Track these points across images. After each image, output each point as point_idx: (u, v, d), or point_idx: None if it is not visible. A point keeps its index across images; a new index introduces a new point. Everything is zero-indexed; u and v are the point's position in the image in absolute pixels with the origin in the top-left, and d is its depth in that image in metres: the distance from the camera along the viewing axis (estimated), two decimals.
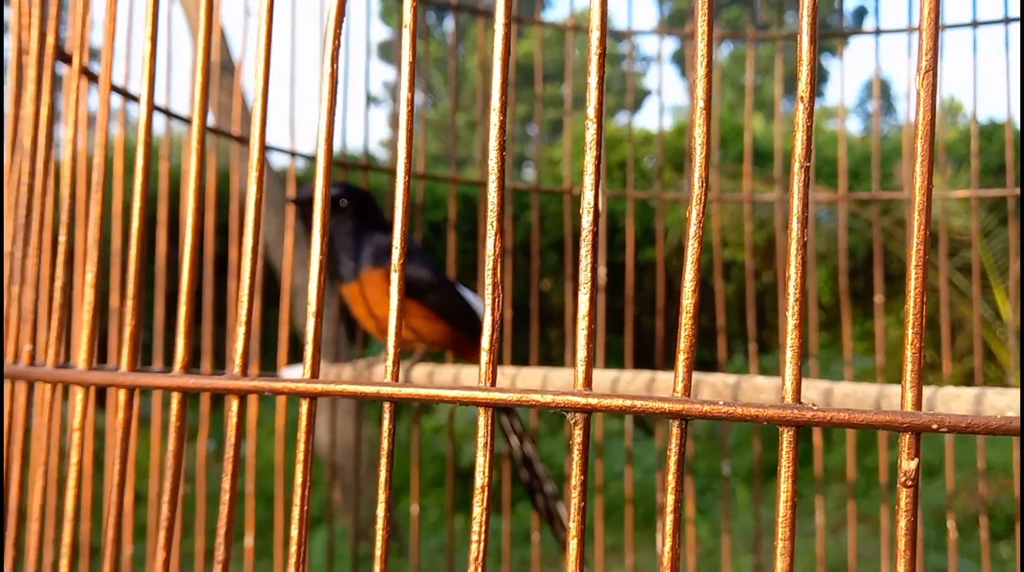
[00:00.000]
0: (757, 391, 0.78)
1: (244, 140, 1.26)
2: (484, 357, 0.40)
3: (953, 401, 0.72)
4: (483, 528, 0.39)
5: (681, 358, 0.39)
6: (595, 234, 0.40)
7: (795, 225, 0.38)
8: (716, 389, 0.80)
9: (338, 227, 1.23)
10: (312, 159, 1.32)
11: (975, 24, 1.30)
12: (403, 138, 0.41)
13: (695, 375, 0.84)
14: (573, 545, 0.39)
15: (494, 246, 0.41)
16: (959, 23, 1.31)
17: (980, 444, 1.48)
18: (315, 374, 0.43)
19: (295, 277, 2.84)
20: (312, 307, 0.43)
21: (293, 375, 1.21)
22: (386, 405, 0.42)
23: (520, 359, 1.70)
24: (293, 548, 0.42)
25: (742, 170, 1.69)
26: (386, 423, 0.42)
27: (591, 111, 0.40)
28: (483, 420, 0.40)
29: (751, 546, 3.31)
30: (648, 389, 0.82)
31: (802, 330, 0.38)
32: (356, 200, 1.24)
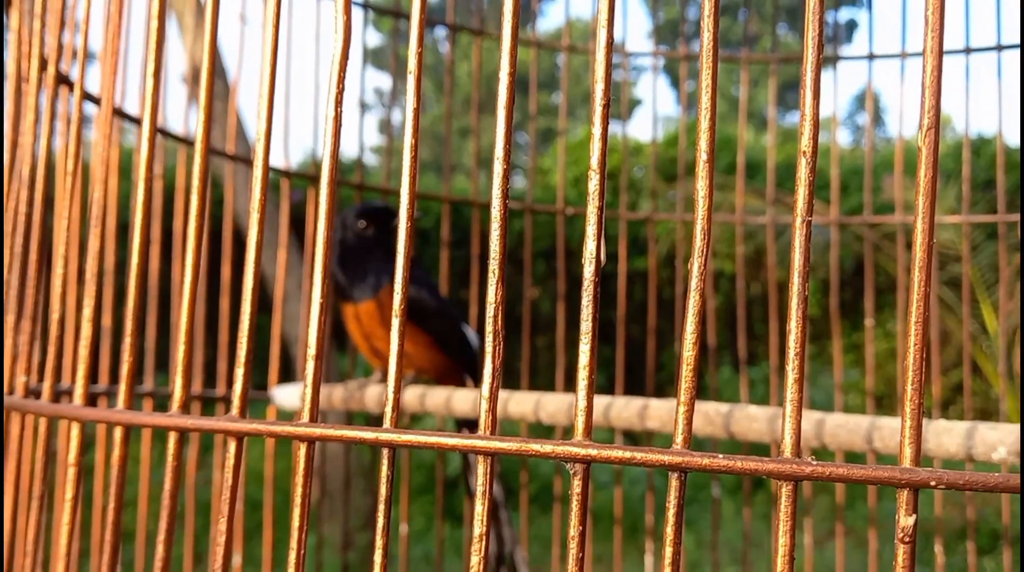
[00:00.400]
0: (750, 420, 0.78)
1: (237, 159, 1.25)
2: (484, 405, 0.41)
3: (945, 435, 0.72)
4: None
5: (681, 410, 0.39)
6: (596, 285, 0.40)
7: (796, 280, 0.38)
8: (709, 417, 0.80)
9: (355, 248, 1.22)
10: (304, 177, 1.32)
11: (968, 51, 1.31)
12: (406, 186, 0.41)
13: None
14: None
15: (495, 294, 0.41)
16: (952, 50, 1.31)
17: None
18: (314, 418, 0.43)
19: (286, 282, 2.83)
20: (312, 350, 0.43)
21: (285, 396, 1.21)
22: (384, 451, 0.42)
23: (509, 368, 1.70)
24: None
25: (731, 182, 1.69)
26: (384, 469, 0.41)
27: (594, 162, 0.40)
28: (483, 468, 0.40)
29: (737, 558, 3.32)
30: (641, 417, 0.82)
31: (802, 385, 0.38)
32: (379, 223, 1.23)
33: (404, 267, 0.43)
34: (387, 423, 0.42)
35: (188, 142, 1.19)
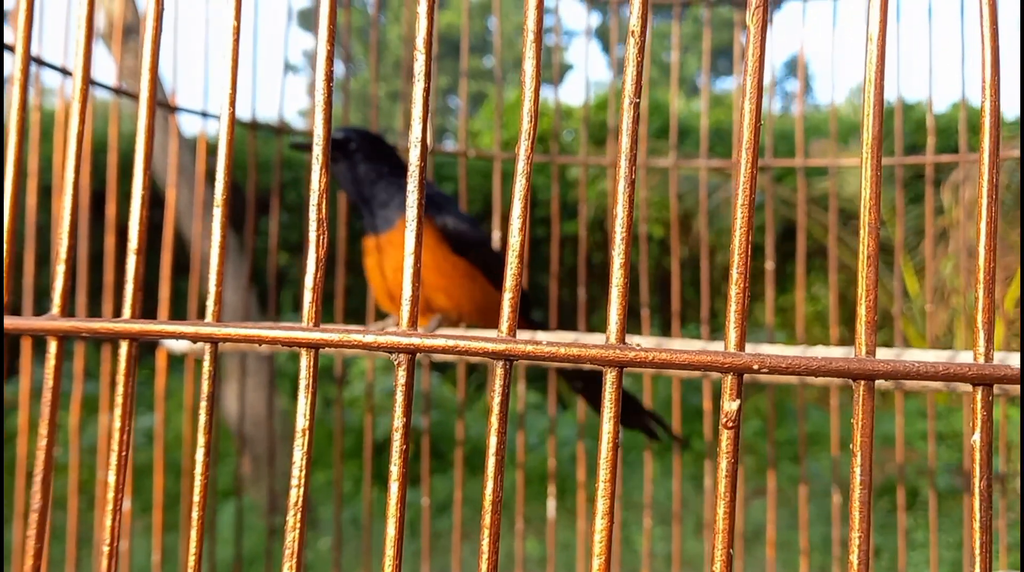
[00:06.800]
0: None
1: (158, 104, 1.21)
2: (308, 296, 0.39)
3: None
4: (303, 473, 0.38)
5: (507, 297, 0.38)
6: (422, 169, 0.39)
7: (624, 162, 0.37)
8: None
9: (348, 174, 1.13)
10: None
11: None
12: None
13: (568, 334, 0.83)
14: (395, 488, 0.38)
15: (319, 182, 0.39)
16: None
17: (899, 417, 1.52)
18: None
19: (204, 246, 2.78)
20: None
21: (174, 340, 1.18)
22: (207, 348, 0.40)
23: None
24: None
25: (661, 146, 1.69)
26: (207, 365, 0.40)
27: (419, 41, 0.39)
28: (305, 361, 0.39)
29: (666, 519, 3.36)
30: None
31: (628, 270, 0.37)
32: (364, 143, 1.13)
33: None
34: (209, 317, 0.40)
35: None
